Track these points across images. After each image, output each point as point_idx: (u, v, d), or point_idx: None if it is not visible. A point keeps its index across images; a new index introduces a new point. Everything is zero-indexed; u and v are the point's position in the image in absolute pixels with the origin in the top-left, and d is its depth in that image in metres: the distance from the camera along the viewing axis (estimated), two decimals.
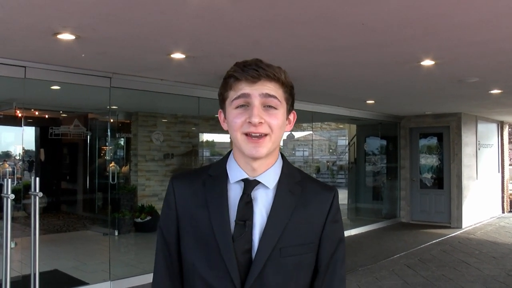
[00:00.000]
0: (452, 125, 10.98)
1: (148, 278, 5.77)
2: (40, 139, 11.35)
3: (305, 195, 1.35)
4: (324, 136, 15.30)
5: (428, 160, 11.67)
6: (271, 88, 1.27)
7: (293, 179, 1.37)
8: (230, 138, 1.35)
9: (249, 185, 1.32)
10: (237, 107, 1.28)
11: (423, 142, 11.77)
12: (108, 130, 7.00)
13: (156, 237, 1.46)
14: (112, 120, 8.59)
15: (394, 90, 7.31)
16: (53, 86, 5.90)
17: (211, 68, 5.43)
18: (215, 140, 12.25)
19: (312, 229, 1.34)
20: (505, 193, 13.31)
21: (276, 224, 1.29)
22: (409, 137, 11.72)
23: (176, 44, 4.41)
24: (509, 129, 17.78)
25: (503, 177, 13.26)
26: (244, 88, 1.26)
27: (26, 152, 11.12)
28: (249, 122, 1.25)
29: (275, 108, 1.28)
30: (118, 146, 10.86)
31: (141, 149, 10.23)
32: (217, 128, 11.61)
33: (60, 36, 3.95)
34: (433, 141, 11.65)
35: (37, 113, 9.94)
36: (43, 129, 10.26)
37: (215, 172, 1.37)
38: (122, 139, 10.55)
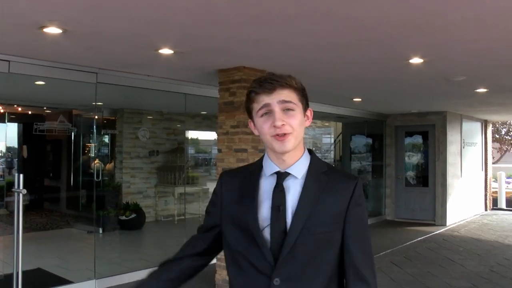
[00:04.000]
0: (437, 123, 11.06)
1: (134, 276, 5.71)
2: (24, 136, 11.18)
3: (331, 183, 1.57)
4: (309, 134, 15.31)
5: (413, 158, 11.76)
6: (286, 94, 1.53)
7: (320, 169, 1.60)
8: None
9: (281, 176, 1.57)
10: (262, 116, 1.54)
11: (408, 140, 11.85)
12: (94, 126, 6.90)
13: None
14: (97, 117, 8.51)
15: (382, 88, 7.34)
16: (37, 81, 5.79)
17: (200, 64, 5.39)
18: (200, 138, 12.20)
19: (337, 211, 1.54)
20: (488, 191, 13.49)
21: (305, 207, 1.52)
22: (395, 135, 11.79)
23: (164, 40, 4.36)
24: (493, 128, 18.04)
25: (486, 175, 13.44)
26: (264, 99, 1.52)
27: (8, 149, 10.95)
28: (274, 126, 1.50)
29: (293, 110, 1.54)
30: (103, 143, 10.75)
31: (126, 146, 10.14)
32: (202, 125, 11.57)
33: (46, 30, 3.87)
34: (418, 139, 11.73)
35: (20, 109, 9.78)
36: (27, 125, 10.10)
37: (254, 168, 1.65)
38: (107, 136, 10.43)
